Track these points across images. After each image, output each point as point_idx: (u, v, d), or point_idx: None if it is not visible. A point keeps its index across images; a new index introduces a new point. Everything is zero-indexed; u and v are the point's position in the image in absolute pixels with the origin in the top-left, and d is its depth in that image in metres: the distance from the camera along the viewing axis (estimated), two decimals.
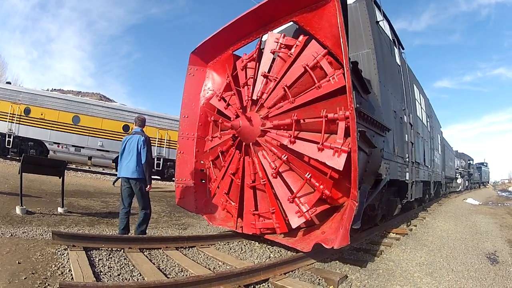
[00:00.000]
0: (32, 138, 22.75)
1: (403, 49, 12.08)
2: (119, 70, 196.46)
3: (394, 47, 10.81)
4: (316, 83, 6.12)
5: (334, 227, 5.97)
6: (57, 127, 23.31)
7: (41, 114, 23.02)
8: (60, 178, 10.46)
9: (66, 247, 5.64)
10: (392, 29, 11.02)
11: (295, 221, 6.21)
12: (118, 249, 6.10)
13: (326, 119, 5.75)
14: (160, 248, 6.61)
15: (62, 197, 10.36)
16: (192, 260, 6.26)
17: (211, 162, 8.54)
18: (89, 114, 24.27)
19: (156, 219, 10.87)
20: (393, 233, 9.90)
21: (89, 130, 24.14)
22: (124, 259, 5.73)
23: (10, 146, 22.23)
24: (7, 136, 22.08)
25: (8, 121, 22.15)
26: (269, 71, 7.12)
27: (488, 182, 70.81)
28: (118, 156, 7.99)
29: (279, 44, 7.06)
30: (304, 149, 6.11)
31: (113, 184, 18.92)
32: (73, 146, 23.65)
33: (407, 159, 10.24)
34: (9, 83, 28.58)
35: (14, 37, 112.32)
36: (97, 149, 24.34)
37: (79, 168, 25.51)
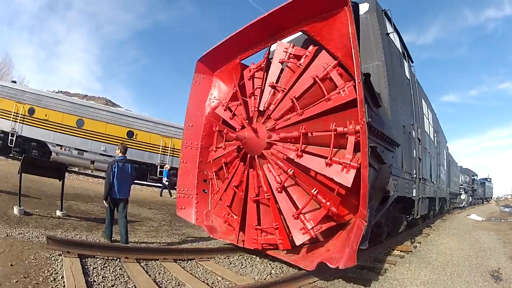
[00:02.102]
0: (35, 138, 22.54)
1: (412, 62, 11.85)
2: (126, 76, 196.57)
3: (404, 60, 10.57)
4: (325, 95, 5.87)
5: (340, 245, 5.70)
6: (60, 129, 23.09)
7: (45, 115, 22.81)
8: (60, 180, 10.32)
9: (61, 252, 5.54)
10: (402, 42, 10.80)
11: (299, 238, 5.95)
12: (114, 258, 5.95)
13: (335, 133, 5.52)
14: (158, 260, 6.43)
15: (61, 200, 10.17)
16: (190, 273, 6.06)
17: (214, 173, 8.33)
18: (94, 118, 24.07)
19: (156, 228, 10.71)
20: (398, 250, 9.65)
21: (92, 134, 23.93)
22: (120, 269, 5.58)
23: (13, 145, 21.99)
24: (10, 135, 21.85)
25: (12, 120, 21.95)
26: (277, 82, 6.89)
27: (491, 198, 70.25)
28: None
29: (288, 54, 6.82)
30: (312, 163, 5.86)
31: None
32: (76, 149, 23.44)
33: (415, 175, 9.96)
34: (14, 82, 28.45)
35: (22, 36, 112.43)
36: (100, 154, 24.10)
37: (81, 171, 25.15)
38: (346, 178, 5.29)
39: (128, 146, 23.33)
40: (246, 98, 7.59)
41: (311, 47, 6.51)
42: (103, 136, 24.24)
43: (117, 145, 23.00)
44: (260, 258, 7.43)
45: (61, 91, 54.39)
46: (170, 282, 5.48)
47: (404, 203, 9.73)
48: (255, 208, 6.96)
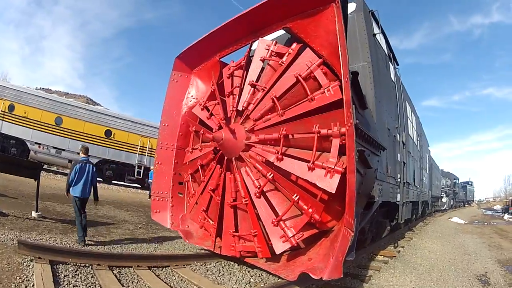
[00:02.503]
0: (14, 136, 21.78)
1: (397, 65, 11.61)
2: (109, 74, 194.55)
3: (390, 62, 10.32)
4: (308, 95, 5.48)
5: (322, 254, 5.33)
6: (39, 127, 22.39)
7: (25, 113, 22.07)
8: (35, 180, 10.00)
9: (32, 258, 5.38)
10: (388, 44, 10.55)
11: (279, 247, 5.55)
12: (86, 265, 5.72)
13: (318, 135, 5.11)
14: (131, 267, 6.13)
15: (37, 201, 9.83)
16: (165, 282, 5.75)
17: (190, 175, 7.94)
18: (72, 116, 23.40)
19: (132, 231, 10.39)
20: (381, 255, 9.43)
21: (71, 133, 23.25)
22: (92, 277, 5.35)
23: None
24: None
25: None
26: (257, 80, 6.52)
27: (473, 201, 71.34)
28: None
29: (270, 51, 6.44)
30: (292, 167, 5.44)
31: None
32: (54, 147, 22.71)
33: (399, 180, 9.71)
34: None
35: (8, 30, 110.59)
36: (78, 153, 23.00)
37: (59, 171, 24.60)
38: (330, 184, 4.89)
39: (105, 145, 23.87)
40: (224, 97, 7.23)
41: (294, 45, 6.12)
42: (81, 135, 23.54)
43: (95, 144, 23.05)
44: (238, 266, 7.13)
45: (42, 88, 53.34)
46: None
47: (388, 207, 9.47)
48: (232, 213, 6.55)
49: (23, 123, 22.10)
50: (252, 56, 6.84)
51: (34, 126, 22.30)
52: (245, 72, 6.80)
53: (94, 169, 8.57)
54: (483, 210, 52.92)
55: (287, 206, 5.56)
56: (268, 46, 6.48)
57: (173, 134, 8.32)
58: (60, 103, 23.72)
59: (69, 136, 23.21)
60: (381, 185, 7.42)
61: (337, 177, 4.88)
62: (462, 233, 17.41)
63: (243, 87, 6.61)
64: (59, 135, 22.94)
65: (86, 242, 7.67)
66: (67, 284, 4.88)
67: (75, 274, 5.28)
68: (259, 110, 6.12)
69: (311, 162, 5.12)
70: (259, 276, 6.63)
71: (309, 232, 5.55)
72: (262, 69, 6.65)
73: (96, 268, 5.64)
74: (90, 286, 5.01)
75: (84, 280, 5.17)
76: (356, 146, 4.56)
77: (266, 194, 5.90)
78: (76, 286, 4.91)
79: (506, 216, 33.45)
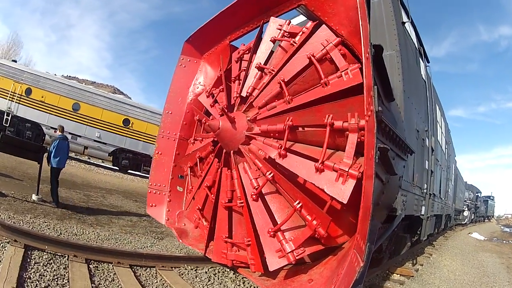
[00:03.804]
0: (30, 119, 21.65)
1: (428, 62, 10.29)
2: (136, 65, 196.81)
3: (420, 58, 9.07)
4: (322, 78, 4.37)
5: (326, 276, 4.20)
6: (56, 112, 22.15)
7: (42, 97, 21.96)
8: (38, 163, 9.90)
9: (9, 240, 5.10)
10: (418, 37, 9.27)
11: (274, 263, 4.45)
12: (62, 255, 5.23)
13: (331, 128, 4.01)
14: (111, 263, 5.52)
15: (38, 184, 9.73)
16: (142, 285, 5.07)
17: (189, 168, 7.01)
18: (90, 103, 23.04)
19: (134, 223, 9.87)
20: (397, 273, 8.27)
21: (88, 119, 22.90)
22: (64, 268, 4.89)
23: (8, 125, 21.10)
24: (5, 114, 21.04)
25: (9, 99, 21.20)
26: (266, 63, 5.51)
27: (492, 216, 68.79)
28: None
29: (282, 31, 5.42)
30: (297, 167, 4.32)
31: None
32: (70, 133, 22.14)
33: (425, 190, 8.46)
34: (14, 61, 27.34)
35: (34, 18, 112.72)
36: (94, 140, 23.11)
37: (74, 157, 24.39)
38: (342, 191, 3.77)
39: (123, 134, 23.33)
40: (231, 83, 6.35)
41: (309, 23, 5.04)
42: (98, 122, 23.11)
43: (112, 132, 22.82)
44: (233, 274, 6.26)
45: (69, 76, 53.73)
46: None
47: (409, 220, 8.23)
48: (226, 216, 5.49)
49: (40, 107, 21.91)
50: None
51: (50, 110, 22.06)
52: (254, 55, 5.81)
53: (69, 144, 10.30)
54: (502, 227, 51.31)
55: (288, 213, 4.45)
56: (281, 25, 5.48)
57: (177, 122, 7.53)
58: (79, 89, 23.39)
59: (85, 123, 22.82)
60: (405, 196, 6.25)
61: (351, 183, 3.76)
62: (481, 251, 16.34)
63: (249, 70, 5.60)
64: (76, 121, 22.60)
65: (43, 199, 9.26)
66: (34, 272, 4.51)
67: (47, 263, 4.87)
68: (264, 97, 5.05)
69: (319, 161, 4.00)
70: None
71: (313, 248, 4.40)
72: (272, 52, 5.65)
73: (71, 260, 5.16)
74: (57, 279, 4.54)
75: (54, 270, 4.74)
76: (378, 144, 3.41)
77: (265, 197, 4.79)
78: (43, 276, 4.49)
79: None
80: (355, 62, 4.30)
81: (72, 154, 24.72)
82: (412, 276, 8.17)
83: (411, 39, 8.31)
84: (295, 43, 5.04)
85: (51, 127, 21.70)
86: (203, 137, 6.77)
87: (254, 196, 4.80)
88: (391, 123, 4.86)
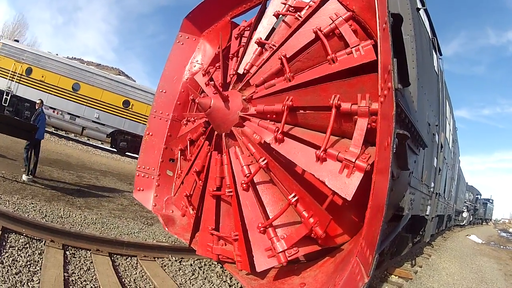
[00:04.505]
0: (29, 99, 21.17)
1: (441, 55, 9.60)
2: (142, 49, 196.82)
3: (433, 49, 8.41)
4: (329, 54, 3.73)
5: (321, 281, 3.60)
6: (55, 92, 21.78)
7: (42, 76, 21.63)
8: (29, 142, 9.92)
9: None
10: (432, 28, 8.58)
11: (262, 263, 3.86)
12: (39, 240, 4.93)
13: (337, 110, 3.38)
14: (90, 250, 5.15)
15: (29, 164, 9.67)
16: (119, 276, 4.66)
17: (179, 151, 6.46)
18: (90, 84, 22.61)
19: (124, 207, 9.57)
20: (396, 275, 7.75)
21: (87, 100, 22.47)
22: (39, 254, 4.58)
23: (7, 105, 20.88)
24: (5, 94, 20.77)
25: (9, 79, 20.94)
26: (267, 39, 4.91)
27: (490, 219, 68.51)
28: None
29: (286, 5, 4.85)
30: (295, 154, 3.68)
31: None
32: (68, 114, 22.12)
33: (432, 189, 7.84)
34: (16, 41, 26.87)
35: (42, 0, 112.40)
36: (93, 121, 22.71)
37: (72, 137, 24.16)
38: (346, 186, 3.15)
39: (122, 116, 23.09)
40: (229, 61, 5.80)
41: None
42: (98, 103, 22.65)
43: (111, 114, 22.59)
44: (220, 268, 5.71)
45: (74, 58, 53.10)
46: (85, 284, 4.24)
47: (413, 220, 7.64)
48: (213, 205, 4.90)
49: (40, 87, 21.52)
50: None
51: (50, 90, 21.66)
52: (254, 31, 5.23)
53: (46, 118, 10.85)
54: (499, 231, 51.15)
55: (282, 207, 3.84)
56: None
57: (170, 102, 7.09)
58: (79, 69, 22.98)
59: (85, 103, 22.38)
60: (413, 194, 5.65)
61: (357, 177, 3.14)
62: (479, 254, 16.02)
63: (248, 46, 5.01)
64: (75, 101, 22.20)
65: (33, 180, 9.25)
66: (8, 256, 4.27)
67: (22, 247, 4.60)
68: (262, 74, 4.42)
69: (322, 149, 3.37)
70: None
71: (308, 248, 3.78)
72: (275, 29, 5.07)
73: (47, 245, 4.83)
74: (29, 265, 4.24)
75: (27, 256, 4.44)
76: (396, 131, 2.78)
77: (257, 186, 4.18)
78: (16, 261, 4.23)
79: None
80: (367, 40, 3.68)
81: (71, 135, 24.57)
82: (411, 279, 7.72)
83: (425, 27, 7.67)
84: (301, 17, 4.42)
85: (50, 107, 21.32)
86: (193, 116, 6.33)
87: (244, 185, 4.18)
88: (407, 111, 4.22)
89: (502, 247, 24.33)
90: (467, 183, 34.90)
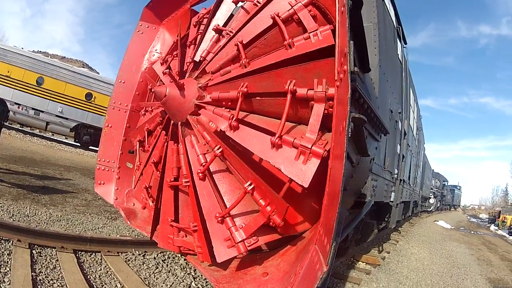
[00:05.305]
0: None
1: (405, 43, 9.70)
2: (108, 40, 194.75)
3: (397, 38, 8.47)
4: (286, 39, 3.62)
5: (283, 270, 3.51)
6: (20, 87, 21.10)
7: (8, 72, 20.85)
8: None
9: None
10: (397, 16, 8.64)
11: (222, 253, 3.73)
12: (7, 240, 4.81)
13: (292, 96, 3.27)
14: (55, 248, 5.08)
15: None
16: (84, 273, 4.59)
17: (138, 143, 6.29)
18: (54, 77, 21.96)
19: (88, 202, 9.42)
20: (363, 262, 7.83)
21: (51, 94, 21.86)
22: (8, 254, 4.49)
23: None
24: None
25: None
26: (225, 26, 4.80)
27: (459, 205, 70.75)
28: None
29: None
30: (250, 141, 3.56)
31: None
32: (33, 109, 21.46)
33: (395, 176, 7.92)
34: None
35: None
36: (56, 115, 22.15)
37: (36, 133, 23.38)
38: (302, 173, 3.05)
39: (85, 109, 23.05)
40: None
41: None
42: (61, 97, 22.08)
43: (74, 107, 22.11)
44: (184, 261, 5.74)
45: (40, 51, 51.51)
46: (52, 283, 4.17)
47: (377, 206, 7.70)
48: (172, 196, 4.74)
49: (6, 82, 20.79)
50: None
51: (15, 85, 20.98)
52: (213, 17, 5.10)
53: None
54: (468, 217, 52.72)
55: (239, 196, 3.73)
56: None
57: (129, 92, 6.88)
58: (43, 62, 22.26)
59: (49, 97, 21.77)
60: (375, 181, 5.69)
61: (314, 163, 3.04)
62: (449, 240, 16.39)
63: (205, 33, 4.86)
64: (39, 96, 21.53)
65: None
66: None
67: None
68: (218, 60, 4.27)
69: (277, 135, 3.26)
70: (204, 280, 5.18)
71: (267, 237, 3.69)
72: (233, 16, 5.00)
73: (15, 245, 4.75)
74: (0, 266, 4.15)
75: None
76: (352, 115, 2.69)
77: (213, 176, 4.05)
78: None
79: (492, 227, 33.37)
80: (326, 25, 3.59)
81: (36, 131, 23.78)
82: (379, 265, 7.83)
83: (390, 16, 7.70)
84: (259, 3, 4.25)
85: (15, 103, 20.75)
86: (150, 106, 6.20)
87: (200, 175, 4.04)
88: (366, 96, 4.17)
89: (472, 232, 25.28)
90: (433, 170, 35.86)
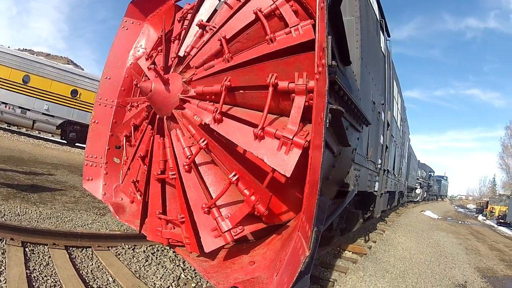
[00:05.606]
0: None
1: (389, 36, 9.82)
2: (93, 35, 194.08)
3: (380, 31, 8.58)
4: (268, 34, 3.71)
5: (269, 259, 3.63)
6: (6, 86, 20.77)
7: None
8: None
9: None
10: (380, 9, 8.75)
11: (209, 243, 3.83)
12: (0, 239, 4.83)
13: (274, 89, 3.37)
14: (47, 245, 5.16)
15: None
16: (76, 269, 4.68)
17: (124, 138, 6.35)
18: (40, 75, 21.67)
19: (77, 199, 9.44)
20: (349, 251, 7.96)
21: (37, 92, 21.59)
22: (2, 253, 4.52)
23: None
24: None
25: None
26: (209, 21, 4.80)
27: (446, 196, 71.60)
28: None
29: None
30: (233, 133, 3.65)
31: None
32: (19, 107, 21.19)
33: (379, 166, 8.06)
34: None
35: None
36: (42, 113, 21.90)
37: (23, 132, 23.24)
38: (285, 162, 3.16)
39: (70, 106, 22.89)
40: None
41: None
42: (47, 94, 21.84)
43: (60, 104, 21.96)
44: (173, 253, 5.94)
45: (25, 49, 50.85)
46: (46, 279, 4.24)
47: (362, 196, 7.84)
48: (159, 189, 4.82)
49: None
50: None
51: (2, 85, 20.69)
52: (196, 13, 5.10)
53: None
54: (456, 207, 53.28)
55: (224, 187, 3.82)
56: None
57: (115, 88, 6.85)
58: (29, 61, 21.87)
59: (35, 95, 21.51)
60: (358, 171, 5.78)
61: (296, 153, 3.15)
62: (436, 229, 16.54)
63: (190, 28, 4.90)
64: (26, 94, 21.27)
65: None
66: None
67: None
68: (202, 55, 4.34)
69: (259, 127, 3.37)
70: (193, 271, 5.33)
71: (253, 226, 3.80)
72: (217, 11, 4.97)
73: (8, 243, 4.78)
74: None
75: None
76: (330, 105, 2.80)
77: (199, 168, 4.15)
78: None
79: (480, 217, 33.86)
80: (307, 20, 3.69)
81: (23, 130, 23.62)
82: (365, 254, 7.92)
83: (373, 9, 7.81)
84: None
85: (2, 102, 20.56)
86: (136, 101, 6.19)
87: (186, 167, 4.14)
88: (346, 88, 4.28)
89: (460, 222, 25.56)
90: (419, 160, 36.21)
